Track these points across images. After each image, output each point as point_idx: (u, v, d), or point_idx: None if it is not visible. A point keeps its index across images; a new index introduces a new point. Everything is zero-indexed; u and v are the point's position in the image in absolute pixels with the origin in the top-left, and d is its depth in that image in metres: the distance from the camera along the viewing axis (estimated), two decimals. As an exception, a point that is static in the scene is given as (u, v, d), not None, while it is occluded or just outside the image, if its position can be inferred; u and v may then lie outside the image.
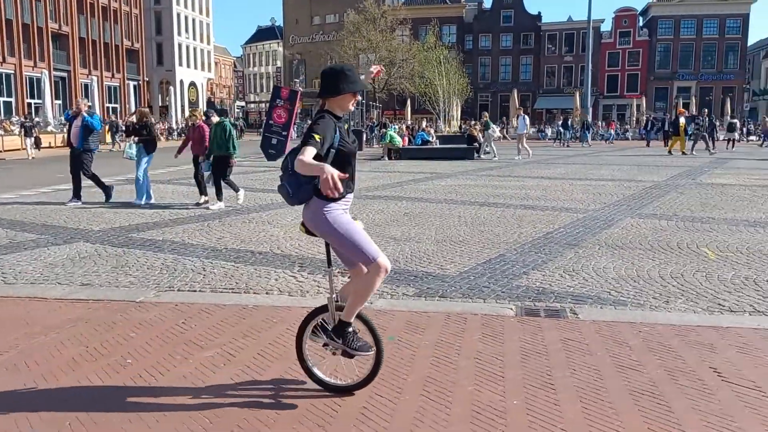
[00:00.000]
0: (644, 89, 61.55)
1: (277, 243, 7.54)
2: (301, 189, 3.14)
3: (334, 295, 3.35)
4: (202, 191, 10.89)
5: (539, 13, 66.04)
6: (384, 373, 3.63)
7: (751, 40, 66.41)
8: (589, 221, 8.98)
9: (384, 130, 30.60)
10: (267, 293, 5.41)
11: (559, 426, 2.99)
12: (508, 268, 6.21)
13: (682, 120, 25.81)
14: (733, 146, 29.79)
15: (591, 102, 43.67)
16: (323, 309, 3.41)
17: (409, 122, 41.31)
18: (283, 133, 22.07)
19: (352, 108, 3.26)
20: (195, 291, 5.50)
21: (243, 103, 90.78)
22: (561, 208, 10.31)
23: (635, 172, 17.10)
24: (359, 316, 3.31)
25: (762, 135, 36.03)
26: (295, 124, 26.95)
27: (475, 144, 24.27)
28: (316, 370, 3.43)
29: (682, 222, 8.86)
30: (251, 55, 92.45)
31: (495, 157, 23.32)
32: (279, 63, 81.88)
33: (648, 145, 34.02)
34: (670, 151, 25.45)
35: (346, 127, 3.25)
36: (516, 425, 3.00)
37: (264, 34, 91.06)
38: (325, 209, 3.14)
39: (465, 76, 46.66)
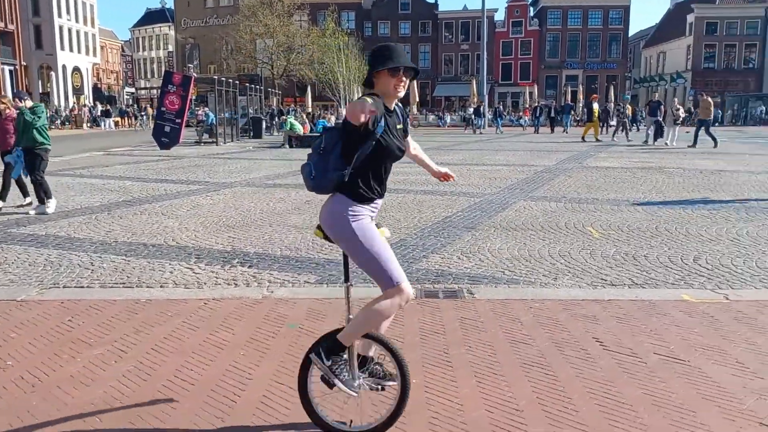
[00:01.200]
0: (536, 77, 64.24)
1: (172, 234, 7.27)
2: (326, 175, 2.58)
3: (350, 316, 2.77)
4: (26, 192, 9.39)
5: (436, 1, 67.25)
6: (284, 361, 3.62)
7: (632, 30, 70.99)
8: (486, 205, 9.30)
9: (284, 117, 30.20)
10: (161, 286, 5.21)
11: (455, 401, 3.10)
12: (408, 252, 6.33)
13: (595, 105, 26.74)
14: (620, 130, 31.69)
15: (487, 90, 45.04)
16: (334, 334, 2.75)
17: (309, 109, 40.96)
18: (177, 120, 21.28)
19: (398, 93, 2.64)
20: (83, 287, 5.21)
21: (133, 90, 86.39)
22: (459, 192, 10.61)
23: (527, 158, 17.87)
24: (381, 342, 2.75)
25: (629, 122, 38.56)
26: (189, 110, 26.03)
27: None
28: (321, 411, 2.81)
29: (569, 203, 9.36)
30: (140, 39, 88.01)
31: None
32: (171, 47, 78.50)
33: (537, 131, 35.58)
34: (583, 138, 26.04)
35: (399, 128, 2.73)
36: (415, 403, 3.07)
37: (153, 16, 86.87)
38: (351, 212, 2.61)
39: (365, 63, 46.75)
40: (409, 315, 4.40)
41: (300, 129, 25.05)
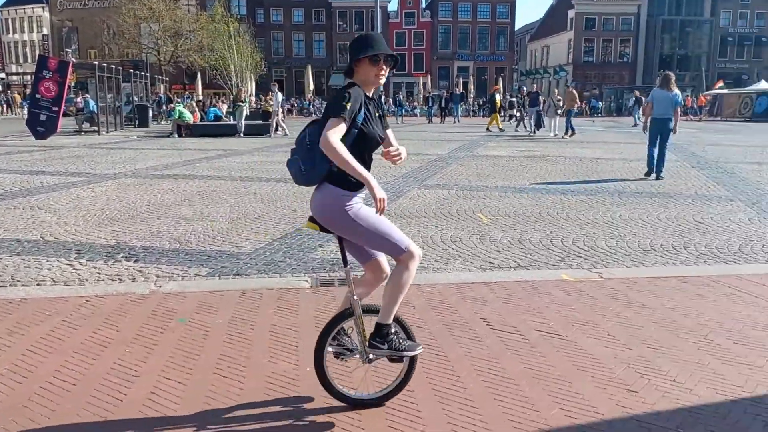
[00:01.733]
0: (429, 68, 65.54)
1: (50, 229, 6.83)
2: (315, 169, 2.70)
3: (356, 297, 2.93)
4: None
5: (329, -11, 66.81)
6: (174, 356, 3.52)
7: (518, 24, 74.05)
8: (380, 193, 9.40)
9: (172, 105, 29.02)
10: (38, 284, 4.89)
11: (349, 386, 3.14)
12: (303, 242, 6.31)
13: (497, 97, 27.57)
14: (510, 120, 32.98)
15: (382, 79, 45.30)
16: (343, 316, 2.96)
17: (200, 97, 39.61)
18: (54, 108, 19.93)
19: (379, 81, 2.77)
20: (-53, 288, 4.79)
21: (2, 75, 79.73)
22: (353, 181, 10.66)
23: (422, 146, 18.24)
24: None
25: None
26: (66, 97, 24.39)
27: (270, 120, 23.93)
28: (339, 386, 3.01)
29: (461, 191, 9.68)
30: (9, 20, 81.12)
31: (287, 134, 22.99)
32: (46, 30, 73.08)
33: (430, 121, 36.37)
34: (488, 128, 26.72)
35: (377, 115, 2.83)
36: (308, 389, 3.10)
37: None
38: (347, 203, 2.74)
39: (258, 51, 45.75)
40: (304, 304, 4.41)
41: (190, 117, 24.16)
